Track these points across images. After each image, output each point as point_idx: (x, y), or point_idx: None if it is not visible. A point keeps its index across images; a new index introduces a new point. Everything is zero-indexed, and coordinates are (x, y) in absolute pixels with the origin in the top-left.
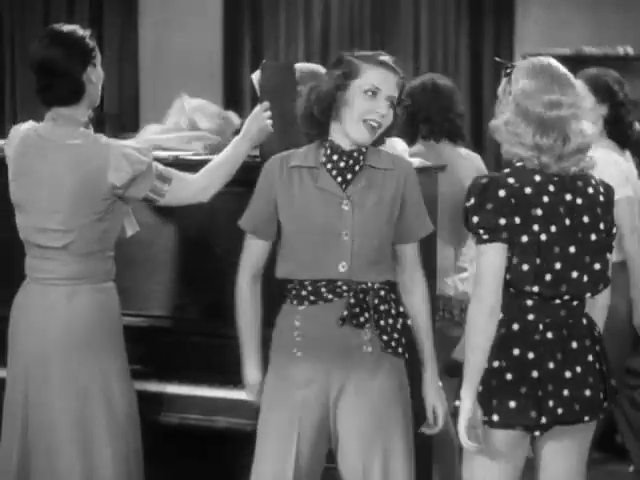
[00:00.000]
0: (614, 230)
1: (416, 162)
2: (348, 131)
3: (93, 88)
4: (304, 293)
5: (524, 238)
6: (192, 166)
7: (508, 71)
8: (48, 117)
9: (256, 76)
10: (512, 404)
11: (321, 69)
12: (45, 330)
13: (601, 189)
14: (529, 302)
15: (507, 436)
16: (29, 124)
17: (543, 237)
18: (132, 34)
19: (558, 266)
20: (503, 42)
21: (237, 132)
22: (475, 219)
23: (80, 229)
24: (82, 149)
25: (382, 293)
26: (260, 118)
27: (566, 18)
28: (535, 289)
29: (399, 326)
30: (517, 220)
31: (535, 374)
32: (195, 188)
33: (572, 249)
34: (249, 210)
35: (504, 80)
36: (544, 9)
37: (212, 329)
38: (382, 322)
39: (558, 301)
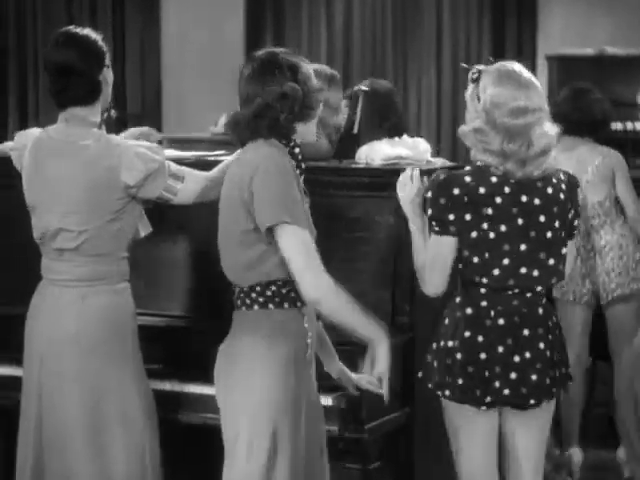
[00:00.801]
0: (575, 223)
1: (439, 162)
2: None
3: (107, 89)
4: (293, 295)
5: (474, 234)
6: (213, 166)
7: (475, 77)
8: (61, 118)
9: None
10: (460, 381)
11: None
12: (59, 331)
13: (562, 186)
14: (482, 290)
15: (462, 409)
16: (35, 130)
17: (492, 235)
18: (154, 31)
19: (506, 262)
20: (526, 42)
21: None
22: (429, 211)
23: (94, 230)
24: (94, 149)
25: None
26: None
27: (589, 18)
28: (484, 281)
29: None
30: (467, 217)
31: (483, 356)
32: (208, 186)
33: (523, 247)
34: (299, 206)
35: (471, 85)
36: (567, 9)
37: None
38: None
39: (510, 292)
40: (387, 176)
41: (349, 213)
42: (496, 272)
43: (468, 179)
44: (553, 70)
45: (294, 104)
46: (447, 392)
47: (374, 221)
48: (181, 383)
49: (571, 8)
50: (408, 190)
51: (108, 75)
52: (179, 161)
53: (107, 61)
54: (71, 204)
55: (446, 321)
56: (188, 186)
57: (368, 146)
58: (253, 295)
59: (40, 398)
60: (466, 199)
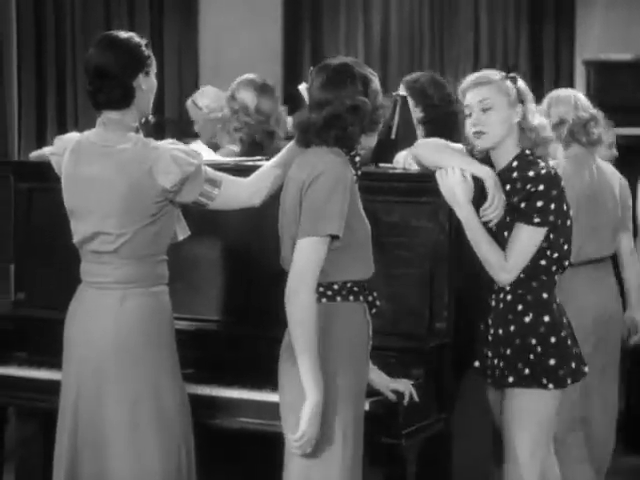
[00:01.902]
0: None
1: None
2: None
3: (143, 96)
4: (357, 289)
5: (568, 222)
6: (252, 171)
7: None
8: (99, 122)
9: (304, 85)
10: (573, 365)
11: None
12: (97, 333)
13: None
14: (558, 275)
15: (560, 394)
16: (74, 134)
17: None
18: (192, 37)
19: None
20: (563, 47)
21: (293, 137)
22: (539, 204)
23: (132, 233)
24: (131, 153)
25: None
26: None
27: (628, 23)
28: (566, 264)
29: None
30: (565, 207)
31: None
32: (246, 192)
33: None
34: (339, 214)
35: None
36: (606, 13)
37: (265, 333)
38: None
39: None
40: (424, 181)
41: (386, 218)
42: (570, 256)
43: (560, 171)
44: (591, 75)
45: (363, 117)
46: (569, 380)
47: (411, 226)
48: (216, 387)
49: (610, 12)
50: (462, 190)
51: (146, 82)
52: (218, 166)
53: (147, 68)
54: (109, 207)
55: (546, 318)
56: (225, 192)
57: (406, 151)
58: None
59: (77, 399)
60: (564, 190)
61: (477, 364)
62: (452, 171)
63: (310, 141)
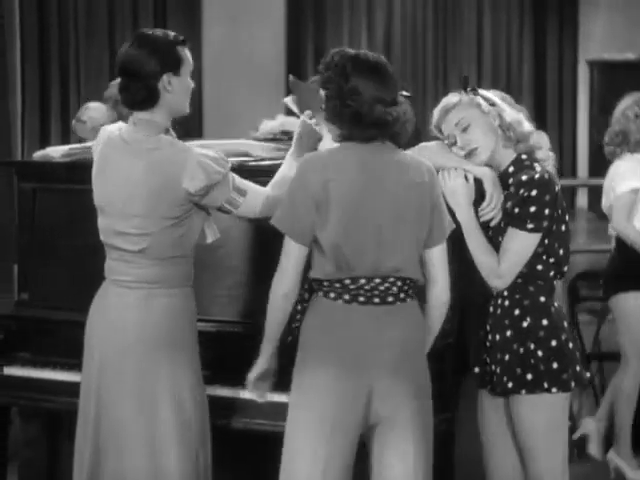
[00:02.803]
0: None
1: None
2: None
3: (172, 97)
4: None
5: (563, 227)
6: (254, 172)
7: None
8: (130, 120)
9: (290, 98)
10: (578, 368)
11: None
12: (119, 331)
13: None
14: (555, 280)
15: (567, 397)
16: (118, 125)
17: (568, 227)
18: (195, 37)
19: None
20: (567, 47)
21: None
22: (533, 209)
23: (156, 234)
24: (159, 155)
25: None
26: (308, 127)
27: (631, 23)
28: (564, 269)
29: None
30: (559, 212)
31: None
32: (269, 202)
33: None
34: None
35: None
36: (609, 14)
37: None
38: None
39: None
40: None
41: None
42: (568, 262)
43: (553, 177)
44: (594, 74)
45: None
46: (573, 384)
47: None
48: (234, 388)
49: (613, 13)
50: (464, 192)
51: (174, 82)
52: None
53: (178, 68)
54: (133, 207)
55: (545, 322)
56: (250, 202)
57: (409, 152)
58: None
59: (99, 399)
60: (559, 195)
61: (477, 370)
62: (455, 172)
63: (384, 137)
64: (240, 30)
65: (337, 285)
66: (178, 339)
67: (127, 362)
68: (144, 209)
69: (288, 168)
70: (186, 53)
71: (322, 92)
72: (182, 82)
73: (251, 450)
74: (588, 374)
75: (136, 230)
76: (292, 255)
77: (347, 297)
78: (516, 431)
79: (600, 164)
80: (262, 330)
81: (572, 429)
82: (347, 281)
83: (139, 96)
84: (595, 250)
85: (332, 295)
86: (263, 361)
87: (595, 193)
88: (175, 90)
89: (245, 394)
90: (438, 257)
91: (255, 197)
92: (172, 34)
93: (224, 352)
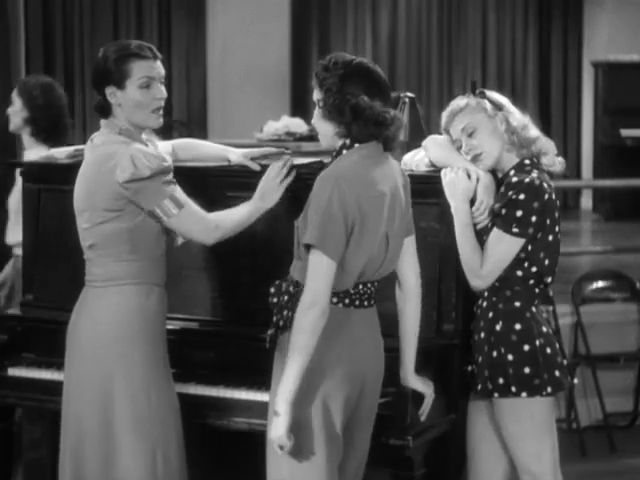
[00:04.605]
0: None
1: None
2: None
3: (120, 110)
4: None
5: (550, 237)
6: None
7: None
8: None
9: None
10: (557, 373)
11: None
12: (78, 330)
13: None
14: (538, 289)
15: (553, 402)
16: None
17: (558, 237)
18: (200, 39)
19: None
20: (571, 48)
21: (300, 138)
22: (519, 213)
23: (100, 228)
24: (103, 149)
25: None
26: (274, 180)
27: (635, 24)
28: (548, 280)
29: None
30: (548, 221)
31: (557, 346)
32: (204, 225)
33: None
34: None
35: None
36: (613, 15)
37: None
38: None
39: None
40: (432, 183)
41: None
42: (553, 272)
43: (546, 185)
44: (599, 76)
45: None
46: (549, 389)
47: (419, 227)
48: (227, 389)
49: (617, 14)
50: (464, 187)
51: (120, 95)
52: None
53: (117, 82)
54: (81, 202)
55: (517, 326)
56: (184, 217)
57: (414, 152)
58: None
59: (68, 399)
60: (550, 204)
61: (470, 368)
62: (457, 169)
63: (381, 137)
64: (244, 31)
65: (341, 294)
66: (130, 338)
67: (85, 365)
68: (87, 202)
69: (244, 208)
70: (140, 65)
71: (319, 92)
72: (127, 95)
73: (248, 450)
74: (576, 380)
75: (86, 224)
76: (327, 273)
77: (347, 301)
78: (502, 436)
79: (605, 165)
80: (262, 331)
81: (576, 429)
82: (351, 290)
83: (97, 105)
84: (599, 252)
85: (334, 300)
86: (285, 408)
87: (599, 194)
88: (121, 103)
89: (235, 394)
90: (414, 244)
91: (192, 216)
92: (133, 45)
93: (224, 352)
